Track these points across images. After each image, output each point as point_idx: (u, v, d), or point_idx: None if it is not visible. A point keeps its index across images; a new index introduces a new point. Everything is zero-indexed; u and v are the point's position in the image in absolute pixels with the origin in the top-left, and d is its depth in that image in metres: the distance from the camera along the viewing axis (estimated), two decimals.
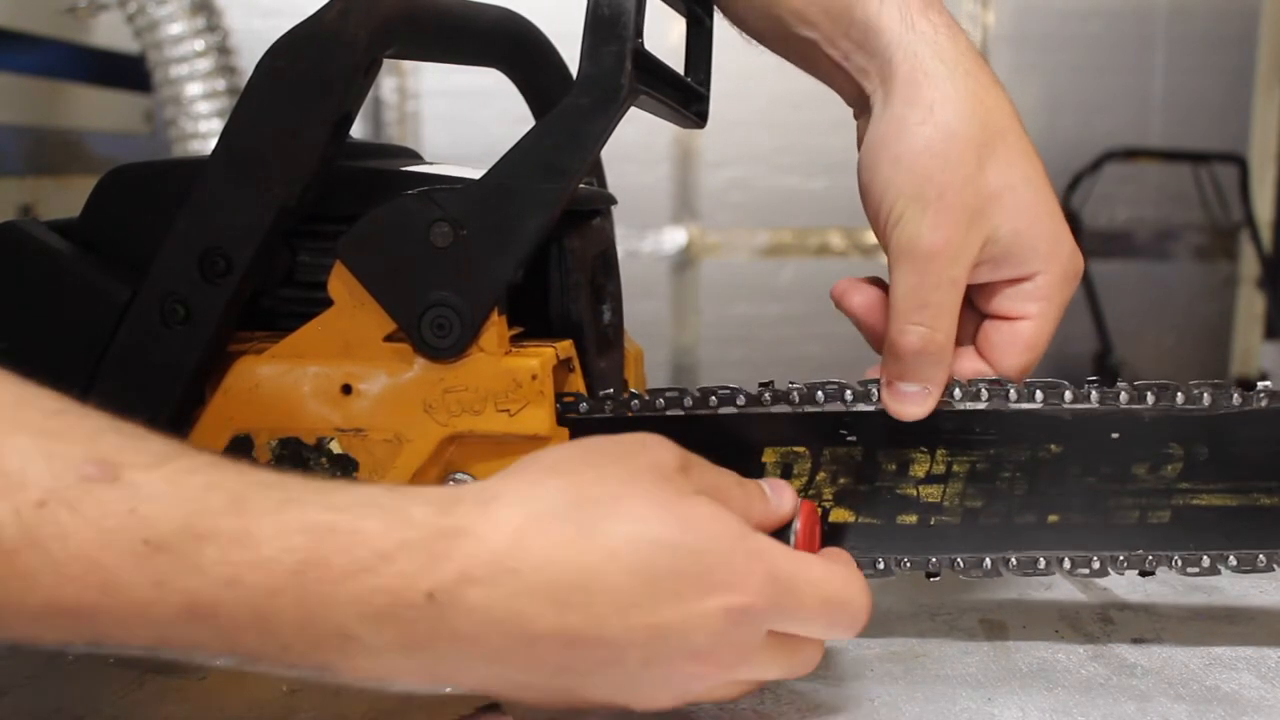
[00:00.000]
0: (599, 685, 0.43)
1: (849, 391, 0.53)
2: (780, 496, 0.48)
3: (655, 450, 0.45)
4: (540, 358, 0.54)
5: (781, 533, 0.48)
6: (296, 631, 0.39)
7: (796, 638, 0.45)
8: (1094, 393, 0.52)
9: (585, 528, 0.41)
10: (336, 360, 0.55)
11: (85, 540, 0.37)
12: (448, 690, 0.52)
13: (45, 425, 0.39)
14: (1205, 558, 0.52)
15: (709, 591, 0.41)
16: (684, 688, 0.44)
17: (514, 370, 0.53)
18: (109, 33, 1.96)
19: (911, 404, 0.52)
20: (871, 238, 0.54)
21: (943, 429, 0.53)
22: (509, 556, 0.40)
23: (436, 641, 0.40)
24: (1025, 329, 0.54)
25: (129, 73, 1.98)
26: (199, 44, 1.88)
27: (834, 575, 0.45)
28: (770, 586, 0.42)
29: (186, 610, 0.38)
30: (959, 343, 0.54)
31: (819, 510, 0.52)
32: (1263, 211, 2.85)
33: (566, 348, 0.56)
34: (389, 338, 0.54)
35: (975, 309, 0.55)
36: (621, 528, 0.41)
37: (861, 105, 0.56)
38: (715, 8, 0.60)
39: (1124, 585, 0.64)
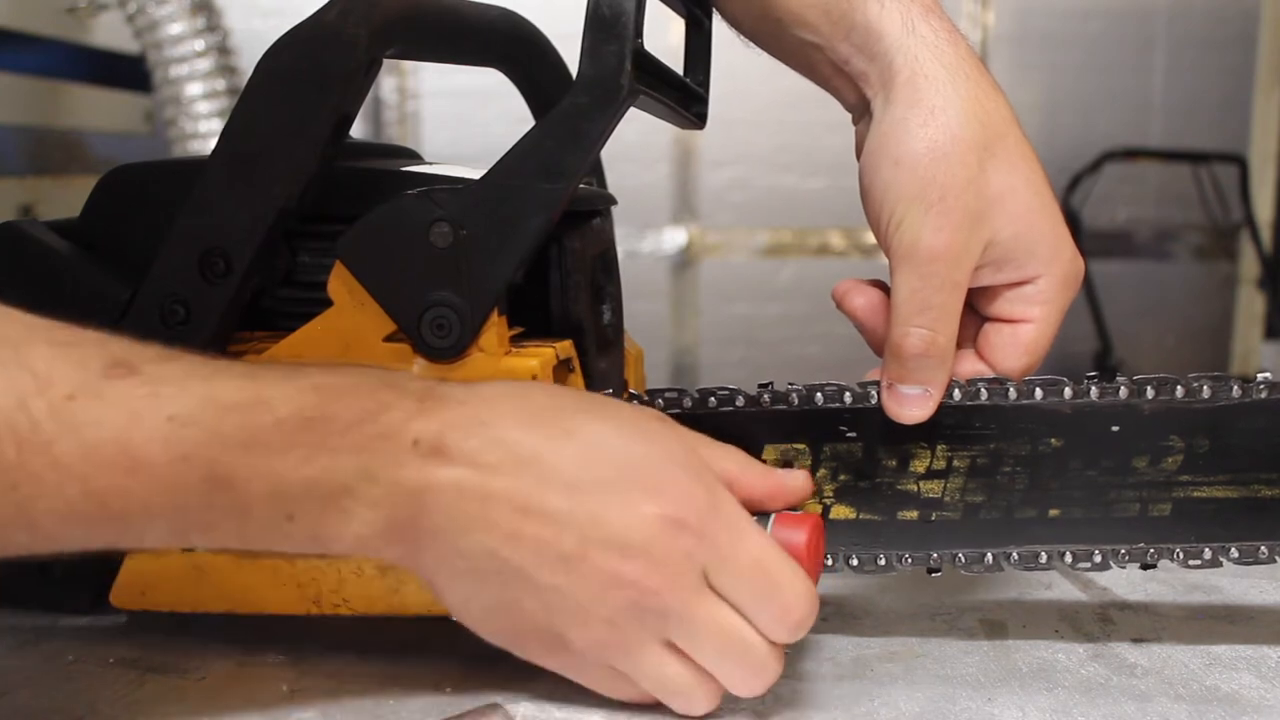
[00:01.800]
0: (538, 590, 0.45)
1: (848, 394, 0.53)
2: (793, 472, 0.51)
3: (645, 408, 0.51)
4: (540, 358, 0.54)
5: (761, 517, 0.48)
6: (303, 491, 0.43)
7: (735, 620, 0.46)
8: (1094, 387, 0.52)
9: (556, 412, 0.47)
10: (336, 360, 0.55)
11: (115, 423, 0.41)
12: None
13: (59, 337, 0.42)
14: (1207, 550, 0.52)
15: (652, 496, 0.45)
16: (614, 598, 0.45)
17: (514, 370, 0.53)
18: (109, 33, 1.96)
19: (912, 407, 0.52)
20: (872, 238, 0.54)
21: (943, 424, 0.53)
22: (484, 415, 0.45)
23: (416, 494, 0.44)
24: (1026, 332, 0.54)
25: (129, 73, 1.98)
26: (199, 44, 1.88)
27: (781, 557, 0.47)
28: (711, 516, 0.45)
29: (208, 482, 0.42)
30: (958, 345, 0.54)
31: (823, 528, 0.51)
32: (1263, 211, 2.85)
33: (566, 348, 0.56)
34: (389, 338, 0.54)
35: (976, 312, 0.55)
36: (588, 421, 0.46)
37: (861, 110, 0.56)
38: (714, 10, 0.60)
39: (1124, 585, 0.64)
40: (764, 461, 0.54)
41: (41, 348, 0.41)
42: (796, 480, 0.50)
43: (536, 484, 0.44)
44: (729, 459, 0.49)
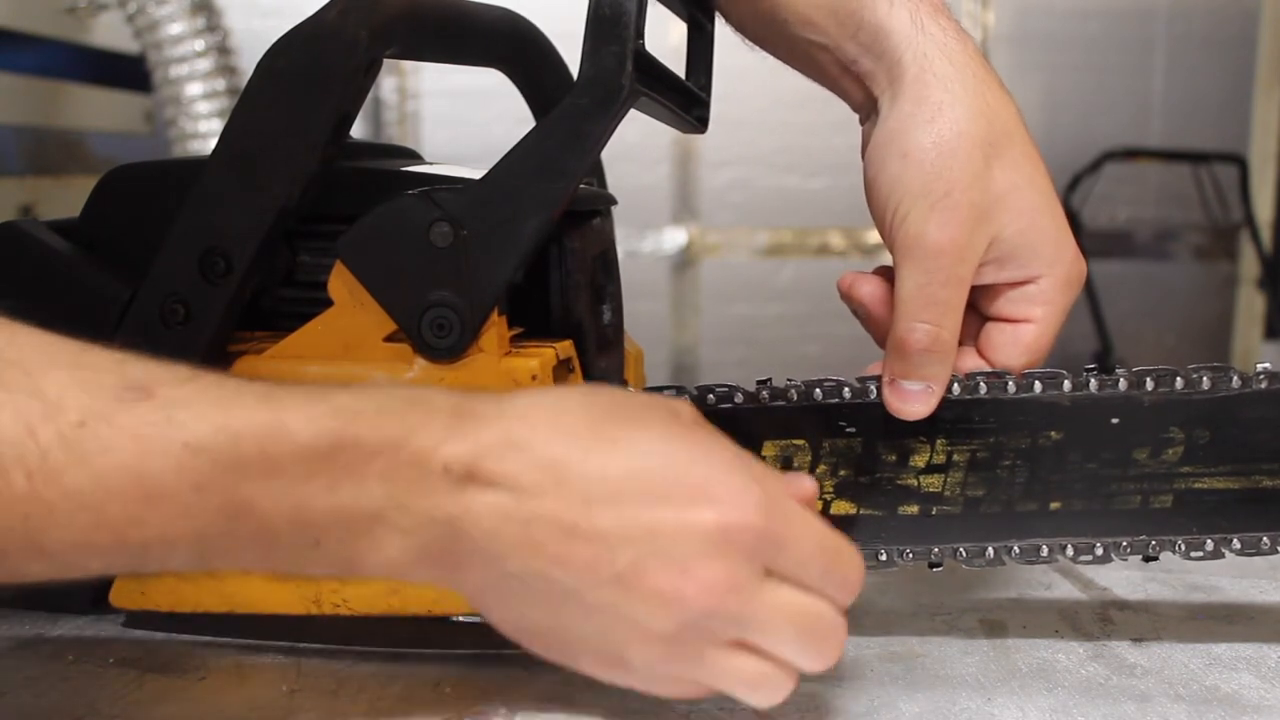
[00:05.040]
0: (592, 610, 0.42)
1: (847, 389, 0.53)
2: (799, 480, 0.47)
3: (675, 401, 0.47)
4: (540, 358, 0.54)
5: None
6: (330, 519, 0.41)
7: (803, 600, 0.44)
8: (1093, 379, 0.52)
9: (593, 423, 0.43)
10: (336, 360, 0.55)
11: (126, 450, 0.39)
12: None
13: (76, 359, 0.41)
14: (1209, 541, 0.52)
15: (705, 502, 0.42)
16: (675, 615, 0.42)
17: (514, 371, 0.53)
18: (109, 33, 1.96)
19: (914, 403, 0.52)
20: (872, 237, 0.54)
21: (943, 419, 0.53)
22: (519, 433, 0.42)
23: (451, 521, 0.41)
24: (1028, 332, 0.54)
25: (129, 73, 1.98)
26: (199, 44, 1.88)
27: (832, 532, 0.45)
28: (767, 511, 0.42)
29: (226, 510, 0.40)
30: (959, 343, 0.54)
31: (818, 503, 0.52)
32: (1263, 211, 2.85)
33: (566, 348, 0.56)
34: (389, 338, 0.54)
35: (977, 311, 0.56)
36: (627, 430, 0.43)
37: (868, 109, 0.56)
38: (717, 12, 0.60)
39: (1124, 585, 0.64)
40: (764, 458, 0.54)
41: (55, 372, 0.39)
42: (805, 482, 0.48)
43: (581, 503, 0.41)
44: (765, 472, 0.46)
